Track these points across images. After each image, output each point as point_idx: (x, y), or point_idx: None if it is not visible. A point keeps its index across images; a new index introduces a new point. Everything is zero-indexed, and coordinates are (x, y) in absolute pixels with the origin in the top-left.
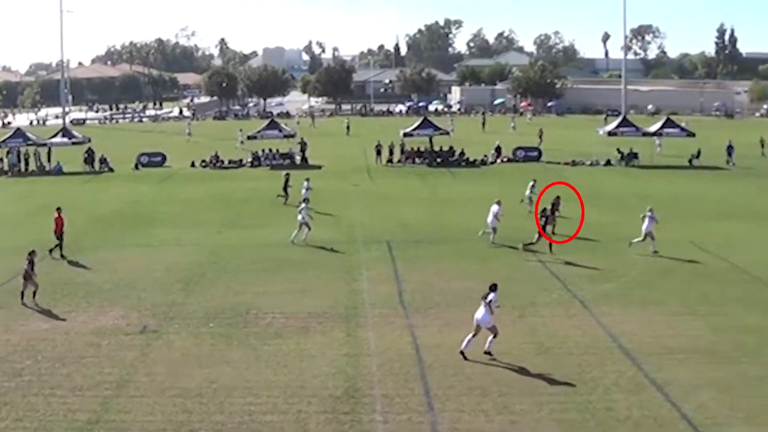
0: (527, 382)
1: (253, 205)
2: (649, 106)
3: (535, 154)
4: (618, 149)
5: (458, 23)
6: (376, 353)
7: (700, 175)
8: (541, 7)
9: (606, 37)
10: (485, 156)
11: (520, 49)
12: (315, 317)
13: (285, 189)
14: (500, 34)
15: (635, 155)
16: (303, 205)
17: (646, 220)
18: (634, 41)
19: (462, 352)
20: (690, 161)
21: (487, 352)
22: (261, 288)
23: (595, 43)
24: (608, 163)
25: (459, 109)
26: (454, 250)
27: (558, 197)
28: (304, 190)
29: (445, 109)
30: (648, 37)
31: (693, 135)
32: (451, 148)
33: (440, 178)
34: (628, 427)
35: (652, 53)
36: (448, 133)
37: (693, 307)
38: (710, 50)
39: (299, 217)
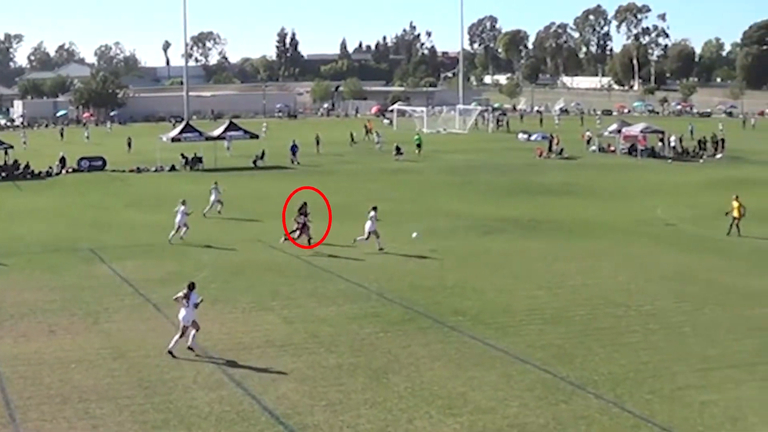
0: (106, 387)
1: None
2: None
3: (100, 163)
4: (182, 154)
5: (18, 37)
6: None
7: (266, 175)
8: (101, 19)
9: (167, 46)
10: (50, 167)
11: (82, 61)
12: None
13: None
14: (61, 47)
15: (200, 159)
16: None
17: (369, 221)
18: (195, 48)
19: (170, 352)
20: (255, 162)
21: (190, 348)
22: None
23: (157, 52)
24: (173, 168)
25: (22, 123)
26: (24, 262)
27: (305, 203)
28: None
29: (8, 123)
30: (209, 44)
31: (257, 137)
32: (16, 161)
33: (6, 192)
34: (211, 422)
35: (214, 59)
36: (12, 147)
37: (265, 302)
38: (272, 54)
39: None
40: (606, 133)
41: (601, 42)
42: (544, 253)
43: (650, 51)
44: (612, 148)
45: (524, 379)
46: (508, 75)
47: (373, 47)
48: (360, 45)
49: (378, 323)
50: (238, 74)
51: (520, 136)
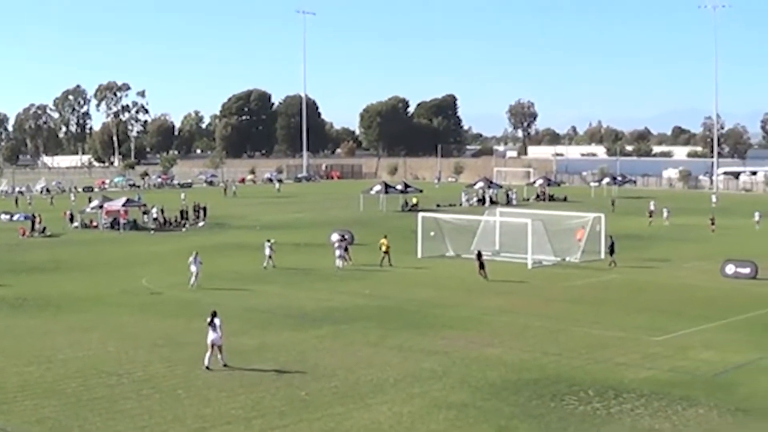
0: None
1: None
2: None
3: None
4: None
5: None
6: None
7: None
8: None
9: None
10: None
11: None
12: None
13: None
14: None
15: None
16: None
17: None
18: None
19: (208, 367)
20: None
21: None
22: None
23: None
24: None
25: None
26: None
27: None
28: None
29: None
30: None
31: None
32: None
33: None
34: None
35: None
36: None
37: None
38: None
39: None
40: (88, 209)
41: (81, 121)
42: (33, 329)
43: (130, 127)
44: (95, 224)
45: None
46: None
47: None
48: None
49: None
50: None
51: (2, 216)
